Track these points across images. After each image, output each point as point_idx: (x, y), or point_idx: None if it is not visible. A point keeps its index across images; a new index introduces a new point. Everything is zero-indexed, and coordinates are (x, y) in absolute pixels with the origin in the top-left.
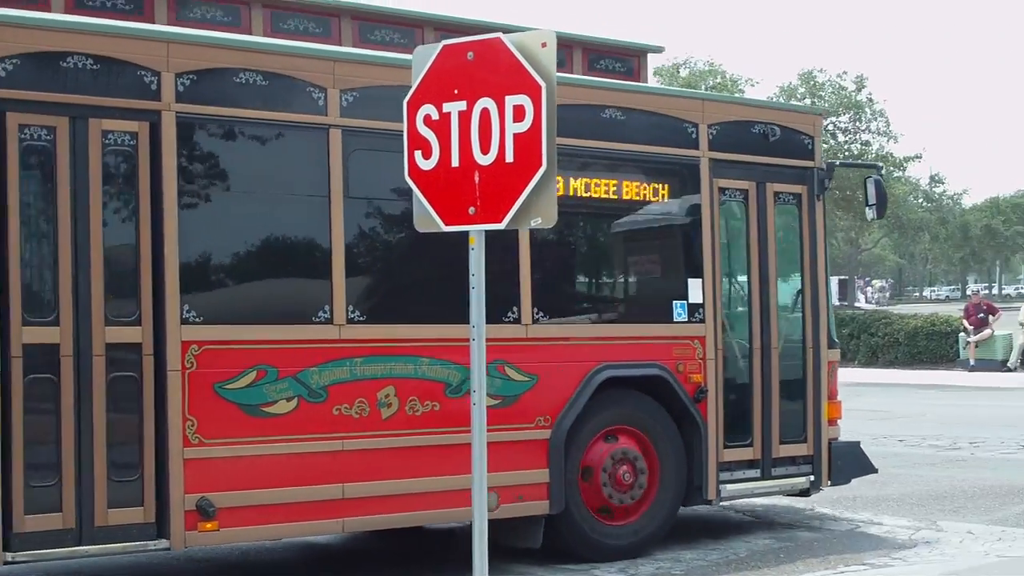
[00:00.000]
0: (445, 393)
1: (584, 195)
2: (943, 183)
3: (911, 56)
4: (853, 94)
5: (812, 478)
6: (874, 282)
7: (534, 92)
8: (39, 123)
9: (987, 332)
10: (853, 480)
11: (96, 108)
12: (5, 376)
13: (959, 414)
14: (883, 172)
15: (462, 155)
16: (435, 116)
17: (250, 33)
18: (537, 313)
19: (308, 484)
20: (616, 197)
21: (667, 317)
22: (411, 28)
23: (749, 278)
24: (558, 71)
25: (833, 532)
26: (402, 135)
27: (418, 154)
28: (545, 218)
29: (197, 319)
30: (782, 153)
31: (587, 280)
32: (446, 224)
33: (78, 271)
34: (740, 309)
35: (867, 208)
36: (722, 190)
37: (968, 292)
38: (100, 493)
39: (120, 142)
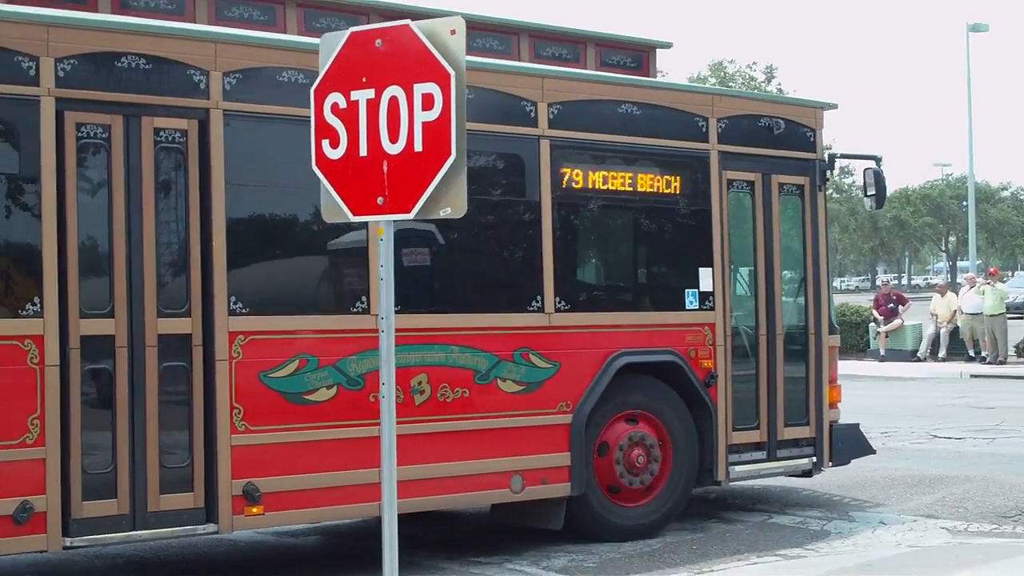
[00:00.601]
0: (474, 380)
1: (602, 187)
2: (852, 175)
3: (820, 46)
4: (763, 84)
5: (815, 459)
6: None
7: (443, 80)
8: (95, 121)
9: (897, 322)
10: (852, 461)
11: (148, 106)
12: (64, 367)
13: (870, 404)
14: (882, 162)
15: (370, 144)
16: (343, 104)
17: (285, 31)
18: (559, 302)
19: (346, 469)
20: (631, 189)
21: (680, 305)
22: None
23: (755, 267)
24: (573, 66)
25: (746, 523)
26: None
27: (325, 143)
28: (455, 208)
29: (244, 310)
30: (786, 145)
31: (605, 270)
32: (354, 214)
33: (131, 265)
34: (747, 297)
35: (866, 198)
36: (730, 182)
37: (878, 283)
38: (152, 479)
39: (170, 139)
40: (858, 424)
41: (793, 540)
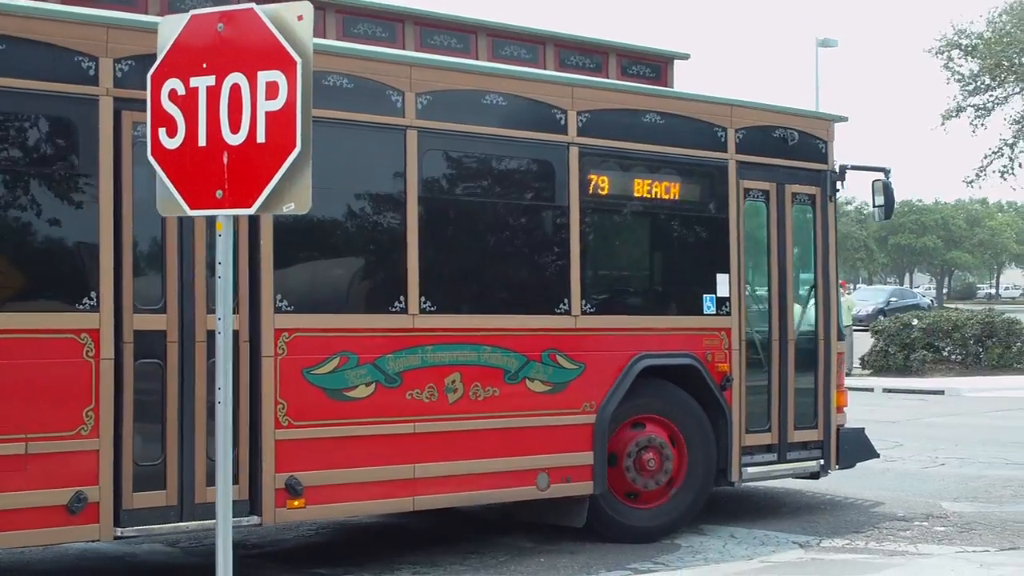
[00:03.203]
0: (504, 379)
1: (626, 194)
2: None
3: (711, 44)
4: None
5: (822, 462)
6: None
7: (289, 68)
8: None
9: None
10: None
11: None
12: (118, 360)
13: None
14: (890, 174)
15: (210, 134)
16: (181, 91)
17: (324, 37)
18: (585, 305)
19: (383, 464)
20: (654, 196)
21: (698, 309)
22: (467, 34)
23: (769, 273)
24: (595, 75)
25: (593, 532)
26: (474, 137)
27: (162, 132)
28: (299, 204)
29: (289, 308)
30: (799, 156)
31: (627, 274)
32: (191, 208)
33: (183, 262)
34: (760, 302)
35: (874, 209)
36: (746, 191)
37: None
38: (200, 472)
39: None
40: (863, 428)
41: (644, 554)
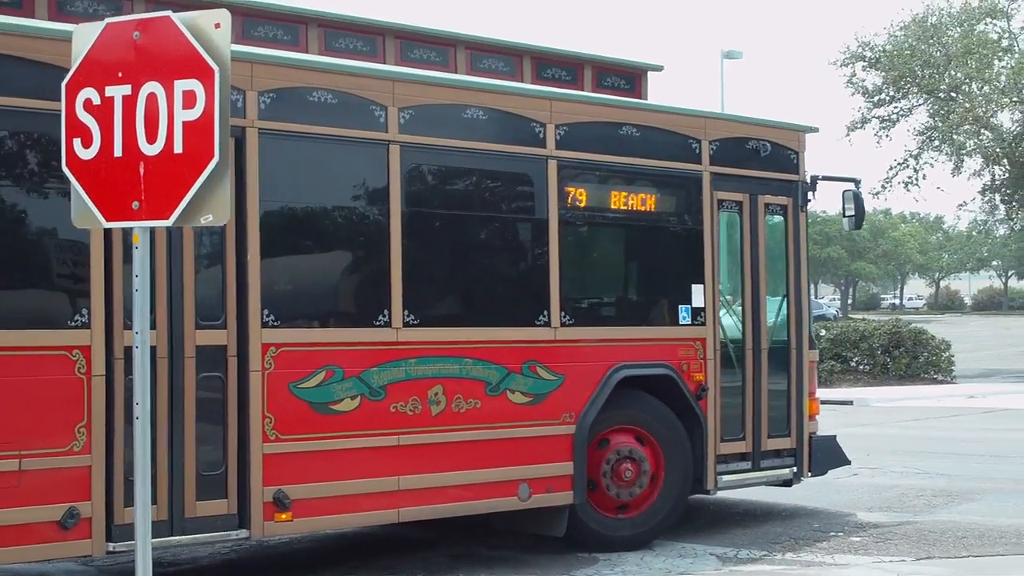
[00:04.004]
0: (485, 391)
1: (604, 207)
2: None
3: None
4: None
5: (795, 469)
6: None
7: (206, 77)
8: None
9: None
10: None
11: None
12: (109, 377)
13: None
14: (860, 185)
15: (126, 144)
16: (96, 101)
17: (307, 51)
18: (564, 317)
19: (369, 476)
20: (630, 208)
21: (674, 320)
22: (446, 47)
23: (743, 283)
24: (571, 87)
25: (513, 549)
26: (455, 151)
27: (77, 142)
28: (217, 215)
29: (276, 323)
30: (772, 167)
31: (605, 285)
32: (107, 220)
33: (172, 278)
34: (734, 312)
35: (844, 219)
36: (720, 202)
37: None
38: (190, 487)
39: None
40: (835, 436)
41: (559, 567)
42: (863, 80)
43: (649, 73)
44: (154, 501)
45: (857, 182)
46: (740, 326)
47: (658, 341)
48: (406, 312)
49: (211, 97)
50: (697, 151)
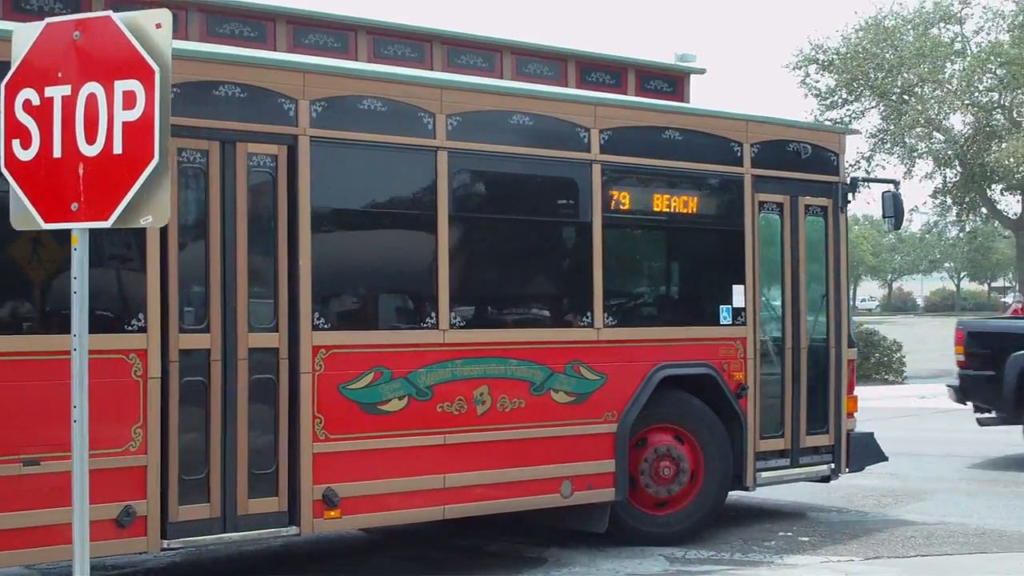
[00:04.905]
0: (530, 391)
1: (646, 209)
2: None
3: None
4: None
5: (833, 466)
6: None
7: (147, 77)
8: (193, 147)
9: None
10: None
11: (243, 133)
12: (164, 379)
13: None
14: (900, 186)
15: (65, 145)
16: (36, 101)
17: (356, 59)
18: (607, 318)
19: (415, 475)
20: (672, 211)
21: (714, 320)
22: (492, 53)
23: (783, 284)
24: (615, 91)
25: (456, 550)
26: (501, 156)
27: (16, 143)
28: (156, 217)
29: (325, 326)
30: (812, 169)
31: (647, 287)
32: (46, 221)
33: (225, 283)
34: (774, 312)
35: (884, 220)
36: (761, 203)
37: None
38: (242, 485)
39: (262, 164)
40: (872, 433)
41: (506, 569)
42: (816, 82)
43: (692, 76)
44: (207, 499)
45: (896, 183)
46: (780, 325)
47: (699, 341)
48: (452, 314)
49: (151, 97)
50: (739, 154)
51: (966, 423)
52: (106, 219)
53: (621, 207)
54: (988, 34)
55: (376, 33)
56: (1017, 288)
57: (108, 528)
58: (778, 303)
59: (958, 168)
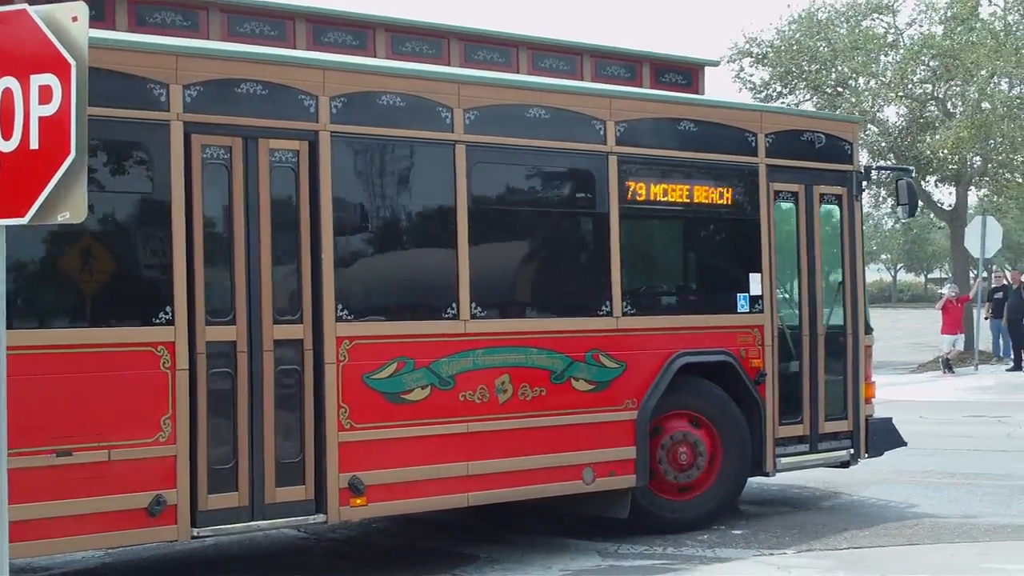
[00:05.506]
0: (550, 380)
1: (662, 199)
2: None
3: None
4: None
5: (852, 451)
6: None
7: (63, 71)
8: (218, 143)
9: None
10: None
11: (265, 129)
12: (192, 370)
13: None
14: (914, 174)
15: None
16: None
17: (374, 56)
18: (626, 306)
19: (439, 463)
20: (688, 201)
21: (732, 308)
22: (508, 48)
23: (799, 271)
24: (630, 84)
25: (391, 545)
26: (519, 149)
27: None
28: (74, 213)
29: (349, 317)
30: (826, 158)
31: (664, 276)
32: None
33: (250, 276)
34: (791, 299)
35: (899, 207)
36: (776, 193)
37: None
38: (269, 474)
39: (284, 159)
40: (891, 418)
41: (440, 565)
42: (751, 76)
43: (706, 68)
44: (235, 488)
45: (910, 171)
46: (797, 312)
47: (717, 329)
48: (473, 304)
49: (68, 92)
50: (753, 144)
51: (903, 414)
52: (23, 215)
53: (638, 198)
54: (921, 26)
55: (394, 31)
56: (952, 279)
57: (140, 517)
58: (795, 291)
59: (893, 160)
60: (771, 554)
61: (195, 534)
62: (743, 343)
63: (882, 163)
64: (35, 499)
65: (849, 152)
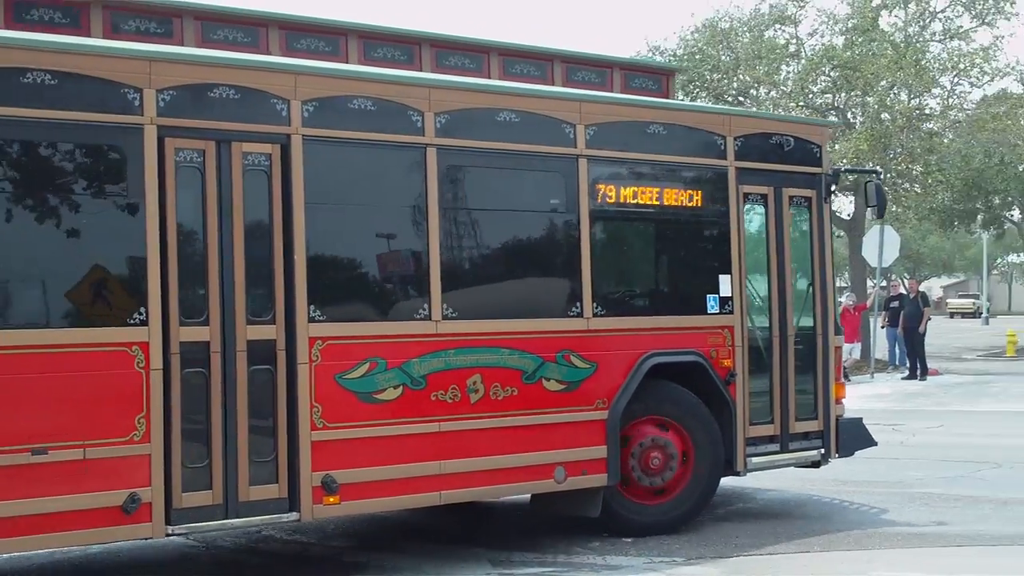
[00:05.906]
0: (522, 380)
1: (632, 202)
2: None
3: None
4: None
5: (823, 451)
6: None
7: None
8: (191, 147)
9: None
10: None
11: (237, 132)
12: (166, 370)
13: None
14: (882, 176)
15: None
16: None
17: (347, 61)
18: (596, 308)
19: (412, 461)
20: (658, 203)
21: (702, 309)
22: (480, 54)
23: (768, 273)
24: (601, 89)
25: (280, 556)
26: (489, 152)
27: None
28: None
29: (321, 318)
30: (795, 161)
31: (635, 277)
32: None
33: (223, 277)
34: (761, 300)
35: (868, 209)
36: (746, 195)
37: None
38: (243, 472)
39: (257, 163)
40: (861, 419)
41: (330, 572)
42: None
43: (676, 74)
44: (209, 486)
45: (878, 174)
46: (767, 314)
47: (687, 329)
48: (445, 306)
49: None
50: (722, 147)
51: None
52: None
53: (608, 200)
54: (822, 37)
55: (366, 37)
56: (850, 288)
57: (115, 515)
58: (764, 292)
59: None
60: (661, 561)
61: (170, 532)
62: (713, 343)
63: (849, 166)
64: (10, 497)
65: (818, 155)
